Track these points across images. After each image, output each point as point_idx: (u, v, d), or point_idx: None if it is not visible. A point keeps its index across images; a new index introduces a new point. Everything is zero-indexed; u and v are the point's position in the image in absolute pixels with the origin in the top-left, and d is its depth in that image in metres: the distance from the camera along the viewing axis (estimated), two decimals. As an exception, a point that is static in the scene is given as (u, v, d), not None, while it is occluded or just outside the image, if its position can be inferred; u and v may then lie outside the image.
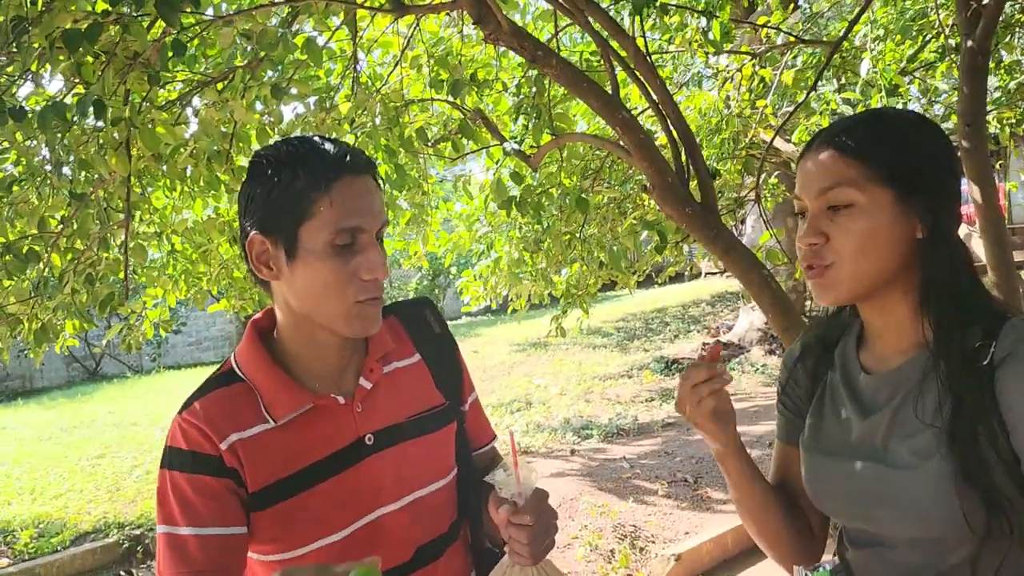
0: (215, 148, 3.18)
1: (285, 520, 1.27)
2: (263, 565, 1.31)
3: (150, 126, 2.71)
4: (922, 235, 1.15)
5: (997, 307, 1.17)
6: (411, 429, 1.36)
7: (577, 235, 4.11)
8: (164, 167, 3.21)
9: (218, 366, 1.40)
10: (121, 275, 2.97)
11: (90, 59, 2.38)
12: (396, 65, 3.69)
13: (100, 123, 2.55)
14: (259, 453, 1.26)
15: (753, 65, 3.94)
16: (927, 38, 4.63)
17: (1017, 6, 5.12)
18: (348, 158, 1.24)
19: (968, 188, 2.56)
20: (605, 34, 2.49)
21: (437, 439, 1.39)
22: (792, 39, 3.38)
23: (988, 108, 5.10)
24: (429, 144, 3.61)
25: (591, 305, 5.50)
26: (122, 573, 5.59)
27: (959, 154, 2.53)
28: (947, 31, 4.04)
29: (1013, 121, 4.91)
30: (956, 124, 2.56)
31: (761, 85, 4.22)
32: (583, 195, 3.63)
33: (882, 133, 1.18)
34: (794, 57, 4.16)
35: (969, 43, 2.42)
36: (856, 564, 1.24)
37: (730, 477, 1.34)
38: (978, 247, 2.70)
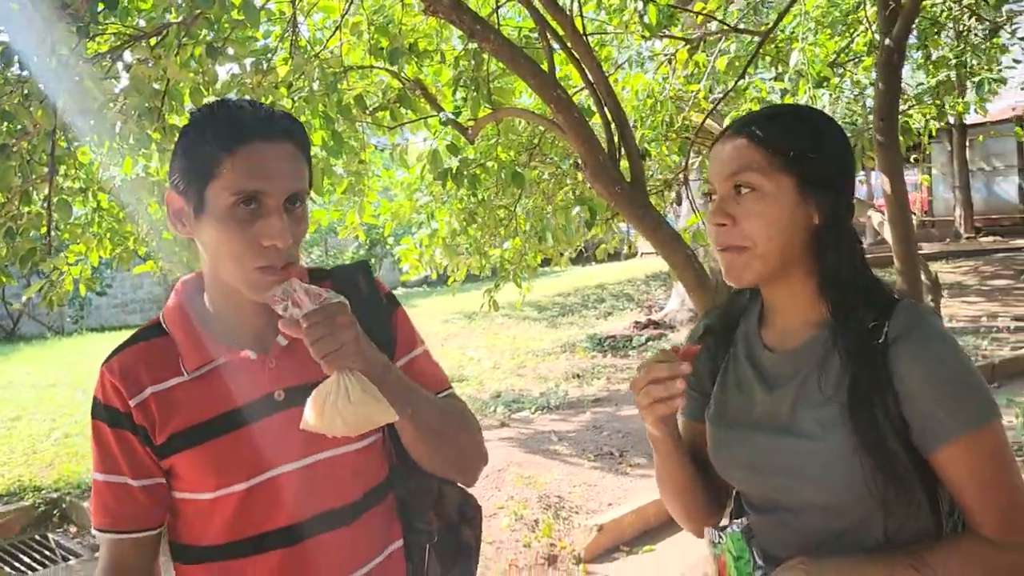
0: (146, 105, 3.11)
1: (191, 466, 1.33)
2: (180, 502, 1.37)
3: (77, 79, 2.65)
4: (819, 222, 1.25)
5: (887, 291, 1.28)
6: None
7: (513, 208, 4.15)
8: (92, 122, 3.13)
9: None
10: (44, 230, 2.89)
11: (15, 7, 2.31)
12: (336, 30, 3.65)
13: (25, 73, 2.47)
14: (172, 404, 1.32)
15: (688, 50, 4.03)
16: (856, 32, 4.79)
17: (945, 5, 5.33)
18: (259, 122, 1.26)
19: (880, 181, 2.69)
20: (544, 12, 2.53)
21: None
22: (724, 27, 3.47)
23: (912, 103, 5.32)
24: (367, 112, 3.59)
25: (531, 280, 5.54)
26: (37, 537, 5.47)
27: (874, 147, 2.66)
28: (874, 27, 4.19)
29: (933, 116, 5.13)
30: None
31: (696, 69, 4.31)
32: (519, 169, 3.67)
33: (789, 126, 1.27)
34: (729, 45, 4.26)
35: (887, 41, 2.53)
36: (758, 529, 1.32)
37: (660, 457, 1.39)
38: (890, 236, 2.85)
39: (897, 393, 1.17)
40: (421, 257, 4.97)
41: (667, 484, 1.42)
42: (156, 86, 3.14)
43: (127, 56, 3.27)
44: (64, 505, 5.71)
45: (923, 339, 1.18)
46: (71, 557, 5.08)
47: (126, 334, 1.45)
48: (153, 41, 3.11)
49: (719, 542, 1.19)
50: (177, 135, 1.33)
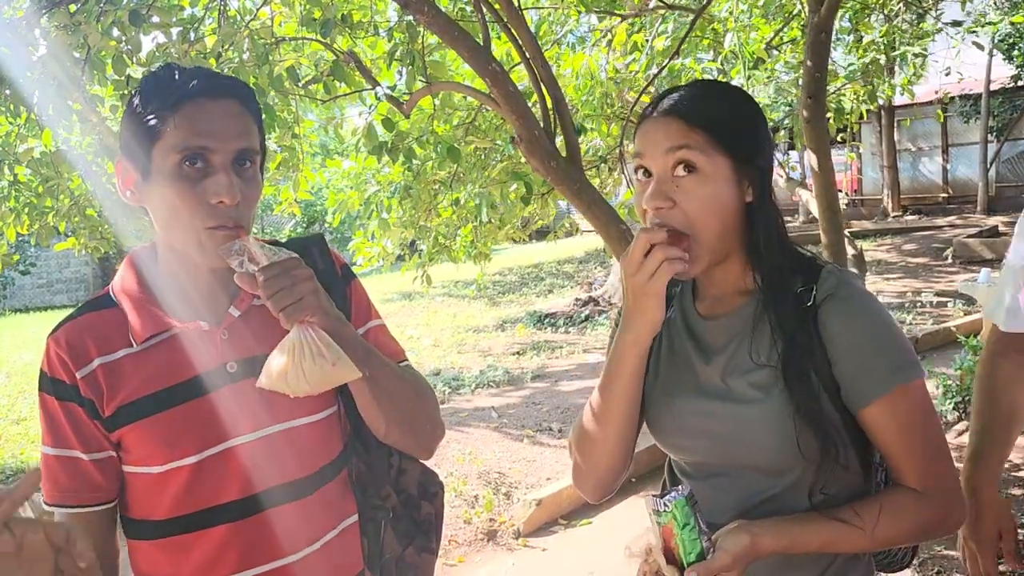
0: (66, 74, 2.98)
1: (140, 439, 1.31)
2: (130, 476, 1.35)
3: (-10, 45, 2.53)
4: (751, 199, 1.26)
5: (812, 258, 1.32)
6: None
7: (448, 183, 4.12)
8: (8, 91, 3.00)
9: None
10: (-44, 205, 2.76)
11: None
12: (266, 0, 3.55)
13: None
14: (120, 375, 1.30)
15: (626, 30, 4.04)
16: (791, 15, 4.88)
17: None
18: (200, 81, 1.24)
19: (808, 156, 2.76)
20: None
21: None
22: (661, 4, 3.49)
23: (841, 84, 5.46)
24: (300, 85, 3.51)
25: (484, 264, 5.52)
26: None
27: (802, 124, 2.72)
28: (807, 9, 4.28)
29: (864, 97, 5.28)
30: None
31: (637, 51, 4.33)
32: (455, 144, 3.64)
33: (719, 103, 1.27)
34: (666, 26, 4.30)
35: (815, 20, 2.59)
36: (696, 494, 1.32)
37: (621, 377, 1.28)
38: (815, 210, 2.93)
39: (827, 353, 1.20)
40: (374, 249, 4.91)
41: (608, 410, 1.31)
42: (76, 54, 3.01)
43: (45, 22, 3.13)
44: (-14, 491, 5.52)
45: (850, 297, 1.22)
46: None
47: (51, 315, 1.42)
48: (73, 7, 2.98)
49: (665, 510, 1.15)
50: (99, 106, 1.30)
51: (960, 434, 5.40)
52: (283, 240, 1.46)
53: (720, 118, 1.24)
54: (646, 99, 4.30)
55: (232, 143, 1.25)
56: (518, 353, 9.22)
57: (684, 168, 1.21)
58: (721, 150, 1.22)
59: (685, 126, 1.22)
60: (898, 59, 6.03)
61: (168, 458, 1.30)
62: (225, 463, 1.31)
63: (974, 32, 6.57)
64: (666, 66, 3.56)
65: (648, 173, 1.25)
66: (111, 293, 1.37)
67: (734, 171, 1.23)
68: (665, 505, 1.15)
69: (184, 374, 1.30)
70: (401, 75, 3.26)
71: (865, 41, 5.85)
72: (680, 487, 1.16)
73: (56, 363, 1.31)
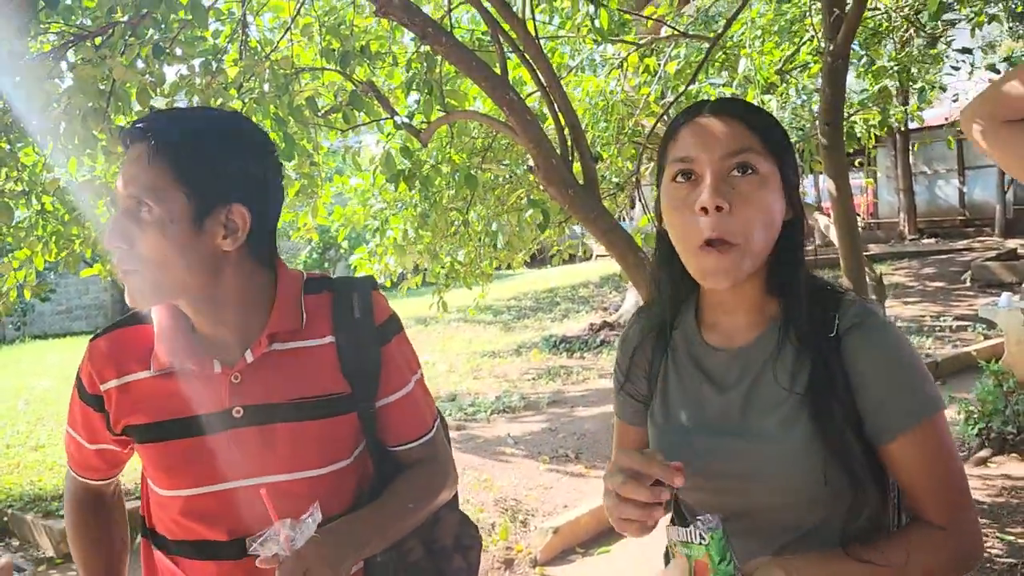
0: (91, 106, 3.04)
1: (146, 459, 1.38)
2: (144, 482, 1.45)
3: (17, 79, 2.59)
4: (788, 217, 1.22)
5: (829, 286, 1.28)
6: (290, 412, 1.33)
7: (465, 211, 4.15)
8: (35, 122, 3.06)
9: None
10: (-16, 235, 2.81)
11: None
12: (287, 31, 3.62)
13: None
14: (133, 397, 1.35)
15: (640, 55, 4.08)
16: (803, 40, 4.91)
17: (885, 15, 5.50)
18: (127, 128, 1.30)
19: (826, 183, 2.77)
20: (496, 15, 2.54)
21: (321, 427, 1.34)
22: (675, 32, 3.52)
23: (855, 110, 5.47)
24: (319, 114, 3.56)
25: (485, 285, 5.55)
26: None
27: (820, 151, 2.72)
28: (819, 35, 4.31)
29: (875, 123, 5.29)
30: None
31: (647, 74, 4.37)
32: (472, 172, 3.68)
33: (763, 114, 1.24)
34: (679, 51, 4.33)
35: (831, 47, 2.60)
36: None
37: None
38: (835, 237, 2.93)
39: (851, 384, 1.16)
40: (375, 265, 4.95)
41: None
42: (101, 86, 3.07)
43: (71, 56, 3.19)
44: (6, 518, 5.53)
45: (875, 329, 1.18)
46: (14, 572, 4.92)
47: (71, 342, 1.48)
48: (98, 40, 3.04)
49: (699, 543, 1.06)
50: None
51: (982, 461, 5.33)
52: (333, 278, 1.45)
53: (771, 127, 1.21)
54: (662, 126, 4.33)
55: (123, 188, 1.29)
56: (534, 378, 9.19)
57: (741, 170, 1.15)
58: (773, 159, 1.18)
59: (747, 129, 1.17)
60: (913, 87, 6.04)
61: (168, 485, 1.35)
62: (220, 503, 1.32)
63: (992, 67, 6.57)
64: (683, 93, 3.58)
65: (688, 176, 1.18)
66: (152, 310, 1.38)
67: (782, 183, 1.19)
68: (701, 537, 1.06)
69: (191, 410, 1.32)
70: (417, 104, 3.30)
71: (876, 66, 5.87)
72: (709, 516, 1.08)
73: (86, 370, 1.39)
